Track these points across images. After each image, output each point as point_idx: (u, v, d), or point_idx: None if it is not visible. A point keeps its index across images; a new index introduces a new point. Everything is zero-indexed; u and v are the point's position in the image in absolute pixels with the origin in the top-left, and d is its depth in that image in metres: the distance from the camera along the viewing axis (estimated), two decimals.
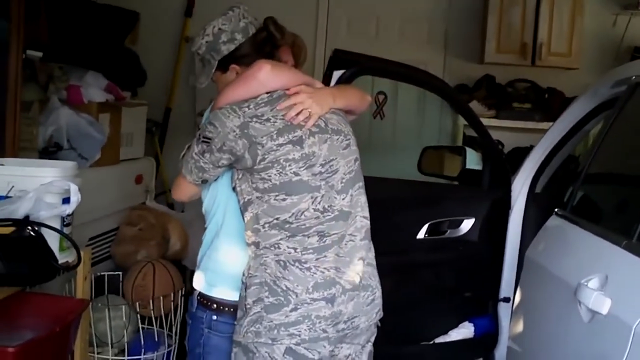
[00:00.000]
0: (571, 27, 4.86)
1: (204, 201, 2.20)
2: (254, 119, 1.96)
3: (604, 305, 1.92)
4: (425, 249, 3.17)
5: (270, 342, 1.93)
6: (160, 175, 4.58)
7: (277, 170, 1.95)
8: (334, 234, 1.99)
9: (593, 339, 1.99)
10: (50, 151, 3.11)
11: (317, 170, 1.99)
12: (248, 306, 1.97)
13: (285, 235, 1.96)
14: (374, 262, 2.12)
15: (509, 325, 3.00)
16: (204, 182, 2.06)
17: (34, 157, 2.94)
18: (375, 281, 2.10)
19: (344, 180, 2.04)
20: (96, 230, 3.32)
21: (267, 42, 2.14)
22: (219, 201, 2.14)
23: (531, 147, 3.49)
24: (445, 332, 3.24)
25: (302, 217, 1.96)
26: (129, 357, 3.06)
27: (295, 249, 1.96)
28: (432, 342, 3.23)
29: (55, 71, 3.30)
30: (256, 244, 2.00)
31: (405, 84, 3.93)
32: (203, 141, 1.99)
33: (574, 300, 2.08)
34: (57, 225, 2.19)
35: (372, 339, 2.13)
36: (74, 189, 2.19)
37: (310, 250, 1.97)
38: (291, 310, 1.94)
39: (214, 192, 2.15)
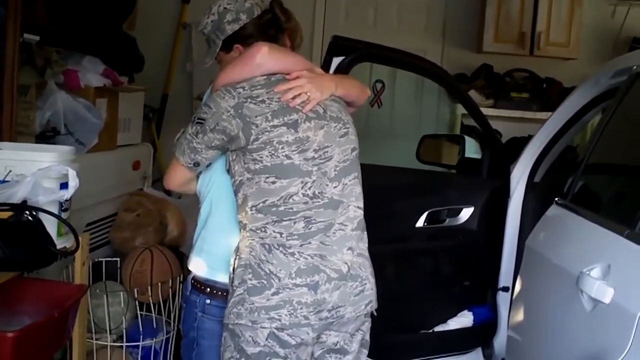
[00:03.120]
0: (570, 17, 4.86)
1: (197, 182, 2.21)
2: (249, 100, 1.96)
3: (606, 294, 1.92)
4: (424, 237, 3.17)
5: (250, 324, 1.93)
6: (157, 161, 4.56)
7: (269, 152, 1.94)
8: (320, 222, 1.98)
9: (595, 328, 1.99)
10: (47, 136, 3.08)
11: (310, 155, 1.98)
12: (234, 287, 1.98)
13: (271, 219, 1.96)
14: (367, 254, 2.09)
15: (509, 314, 3.01)
16: (196, 165, 2.06)
17: (30, 142, 2.92)
18: (366, 272, 2.07)
19: (337, 169, 2.02)
20: (94, 216, 3.31)
21: (272, 25, 2.14)
22: (213, 181, 2.15)
23: (529, 137, 3.49)
24: (445, 321, 3.25)
25: (291, 200, 1.96)
26: (128, 343, 3.05)
27: (281, 233, 1.96)
28: (431, 331, 3.23)
29: (52, 55, 3.26)
30: (244, 226, 2.00)
31: (403, 73, 3.92)
32: (197, 122, 2.01)
33: (575, 290, 2.07)
34: (55, 211, 2.17)
35: (364, 328, 2.10)
36: (72, 174, 2.18)
37: (295, 236, 1.96)
38: (273, 294, 1.93)
39: (208, 173, 2.15)
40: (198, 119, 2.01)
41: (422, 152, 3.49)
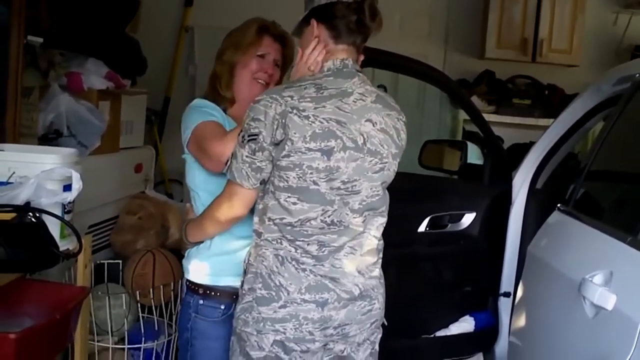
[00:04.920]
0: (572, 24, 4.86)
1: (190, 179, 2.26)
2: (295, 111, 1.88)
3: (609, 301, 1.92)
4: (426, 242, 3.17)
5: (255, 333, 1.94)
6: (159, 164, 4.57)
7: (297, 174, 1.90)
8: (332, 245, 1.96)
9: (597, 334, 1.99)
10: (50, 138, 3.08)
11: (337, 185, 1.93)
12: (243, 292, 1.99)
13: (285, 237, 1.95)
14: (379, 275, 2.08)
15: (510, 320, 3.01)
16: (262, 183, 1.96)
17: (33, 144, 2.91)
18: (376, 293, 2.06)
19: (363, 203, 1.99)
20: (96, 218, 3.31)
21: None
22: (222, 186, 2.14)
23: (531, 143, 3.49)
24: (446, 326, 3.25)
25: (308, 224, 1.93)
26: (129, 346, 3.05)
27: (295, 249, 1.94)
28: (432, 336, 3.23)
29: (56, 57, 3.26)
30: (258, 234, 1.99)
31: (405, 78, 3.92)
32: (250, 140, 1.91)
33: (578, 296, 2.08)
34: (58, 212, 2.16)
35: (373, 338, 2.10)
36: (75, 177, 2.17)
37: (309, 256, 1.95)
38: (280, 307, 1.93)
39: (214, 177, 2.16)
40: (249, 136, 1.90)
41: (424, 158, 3.49)
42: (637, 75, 2.52)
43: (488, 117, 4.34)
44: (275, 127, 1.88)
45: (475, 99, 4.72)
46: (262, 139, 1.89)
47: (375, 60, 3.11)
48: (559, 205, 2.65)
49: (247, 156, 1.92)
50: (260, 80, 2.29)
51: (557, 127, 3.26)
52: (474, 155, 3.48)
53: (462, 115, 4.63)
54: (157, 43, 4.75)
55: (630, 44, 5.06)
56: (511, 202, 3.29)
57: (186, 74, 5.07)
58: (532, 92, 4.99)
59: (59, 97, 3.17)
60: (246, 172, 1.93)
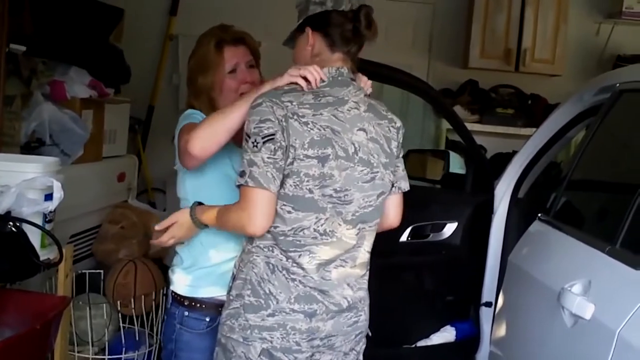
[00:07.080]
0: (555, 34, 4.88)
1: (181, 189, 2.23)
2: (295, 116, 1.86)
3: (587, 310, 1.94)
4: (408, 252, 3.18)
5: (241, 340, 1.93)
6: (142, 173, 4.55)
7: (294, 182, 1.88)
8: (323, 258, 1.95)
9: (576, 344, 2.00)
10: (32, 146, 3.07)
11: (329, 192, 1.92)
12: (231, 298, 1.98)
13: (278, 246, 1.93)
14: (366, 287, 2.08)
15: (491, 329, 3.01)
16: (282, 185, 1.90)
17: (15, 152, 2.90)
18: (363, 305, 2.06)
19: (357, 214, 1.97)
20: (78, 227, 3.29)
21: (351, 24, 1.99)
22: (204, 195, 2.13)
23: (514, 153, 3.51)
24: (427, 336, 3.25)
25: (301, 233, 1.92)
26: (110, 357, 3.03)
27: (287, 258, 1.93)
28: (413, 346, 3.23)
29: (38, 66, 3.26)
30: (250, 240, 1.98)
31: (389, 88, 3.93)
32: (267, 141, 1.85)
33: (557, 305, 2.09)
34: (39, 222, 2.15)
35: (358, 349, 2.09)
36: (57, 186, 2.16)
37: (300, 267, 1.94)
38: (268, 315, 1.92)
39: (199, 185, 2.15)
40: (265, 137, 1.84)
41: (406, 167, 3.47)
42: (618, 85, 2.54)
43: (471, 126, 4.36)
44: (282, 129, 1.86)
45: (458, 109, 4.73)
46: (279, 137, 1.85)
47: (359, 70, 3.13)
48: (539, 214, 2.66)
49: (268, 158, 1.85)
50: (246, 92, 2.25)
51: (540, 136, 3.28)
52: (457, 164, 3.49)
53: (445, 124, 4.65)
54: (141, 52, 4.74)
55: (613, 53, 5.10)
56: (493, 211, 3.30)
57: (170, 82, 5.07)
58: (515, 101, 5.01)
59: (41, 105, 3.16)
60: (272, 174, 1.85)
